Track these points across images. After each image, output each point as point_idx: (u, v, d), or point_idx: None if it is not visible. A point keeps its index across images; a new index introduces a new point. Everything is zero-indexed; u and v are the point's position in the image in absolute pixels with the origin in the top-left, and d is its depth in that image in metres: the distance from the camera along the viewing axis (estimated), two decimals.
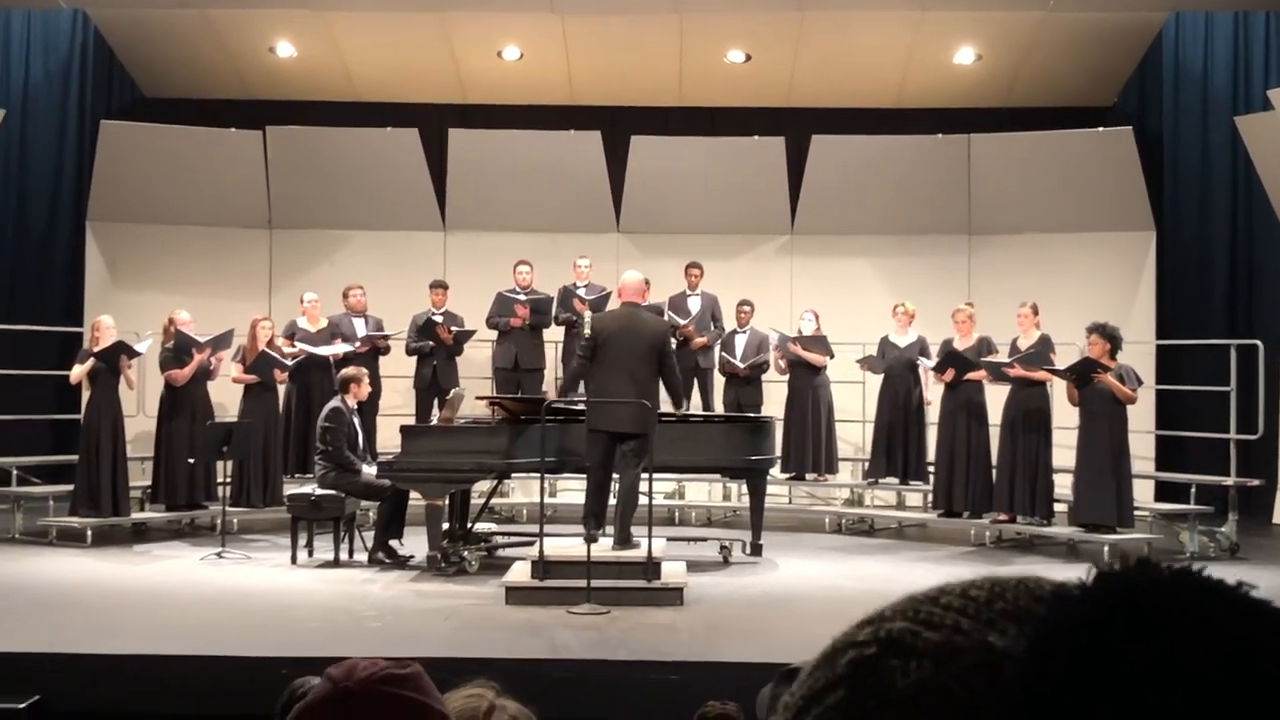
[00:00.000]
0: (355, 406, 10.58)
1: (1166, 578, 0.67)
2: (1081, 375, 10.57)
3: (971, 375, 11.48)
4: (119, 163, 14.04)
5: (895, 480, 12.57)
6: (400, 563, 10.12)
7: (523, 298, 12.99)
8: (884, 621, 0.72)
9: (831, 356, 12.67)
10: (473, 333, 12.92)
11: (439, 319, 12.83)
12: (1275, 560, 10.84)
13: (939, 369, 11.64)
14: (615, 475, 9.58)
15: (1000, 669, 0.67)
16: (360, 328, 12.75)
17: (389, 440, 11.60)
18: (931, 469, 12.08)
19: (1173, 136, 14.69)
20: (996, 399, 11.47)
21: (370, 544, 10.36)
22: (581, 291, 13.11)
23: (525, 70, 14.74)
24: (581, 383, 9.96)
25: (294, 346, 12.36)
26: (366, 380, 10.75)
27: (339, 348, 12.45)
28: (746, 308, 13.02)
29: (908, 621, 0.71)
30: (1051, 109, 14.85)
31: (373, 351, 12.69)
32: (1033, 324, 11.31)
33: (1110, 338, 10.58)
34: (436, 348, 12.78)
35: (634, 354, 9.37)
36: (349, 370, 10.85)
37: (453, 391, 11.02)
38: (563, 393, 10.10)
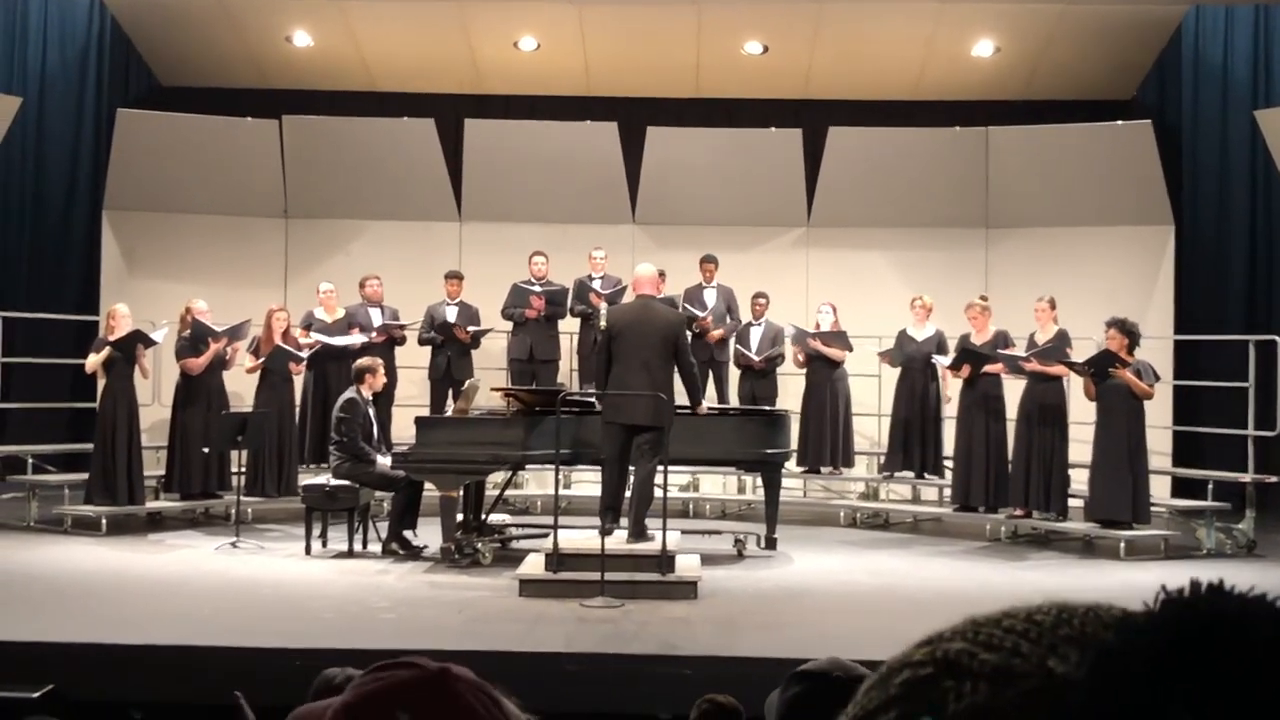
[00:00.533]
0: (370, 397, 10.58)
1: (1235, 607, 0.64)
2: (1099, 369, 10.52)
3: (988, 369, 11.44)
4: (135, 151, 14.05)
5: (911, 474, 12.54)
6: (414, 554, 10.11)
7: (538, 289, 12.98)
8: (942, 642, 0.70)
9: (850, 350, 12.64)
10: (488, 331, 12.94)
11: (454, 318, 12.84)
12: None
13: (954, 365, 11.60)
14: (631, 468, 9.57)
15: (1059, 695, 0.65)
16: (377, 317, 12.76)
17: (404, 431, 11.60)
18: (949, 464, 12.05)
19: (1192, 130, 14.62)
20: (1014, 394, 11.43)
21: (384, 535, 10.36)
22: (597, 283, 13.10)
23: (542, 61, 14.72)
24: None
25: (310, 337, 12.36)
26: (382, 371, 10.74)
27: (355, 338, 12.46)
28: (762, 300, 12.99)
29: (966, 643, 0.69)
30: (1070, 102, 14.78)
31: (389, 342, 12.71)
32: (1050, 318, 11.27)
33: (1129, 333, 10.54)
34: (449, 340, 12.79)
35: (649, 346, 9.35)
36: (364, 361, 10.85)
37: (467, 383, 11.02)
38: (598, 388, 9.89)
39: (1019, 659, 0.67)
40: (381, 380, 10.72)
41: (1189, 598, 0.66)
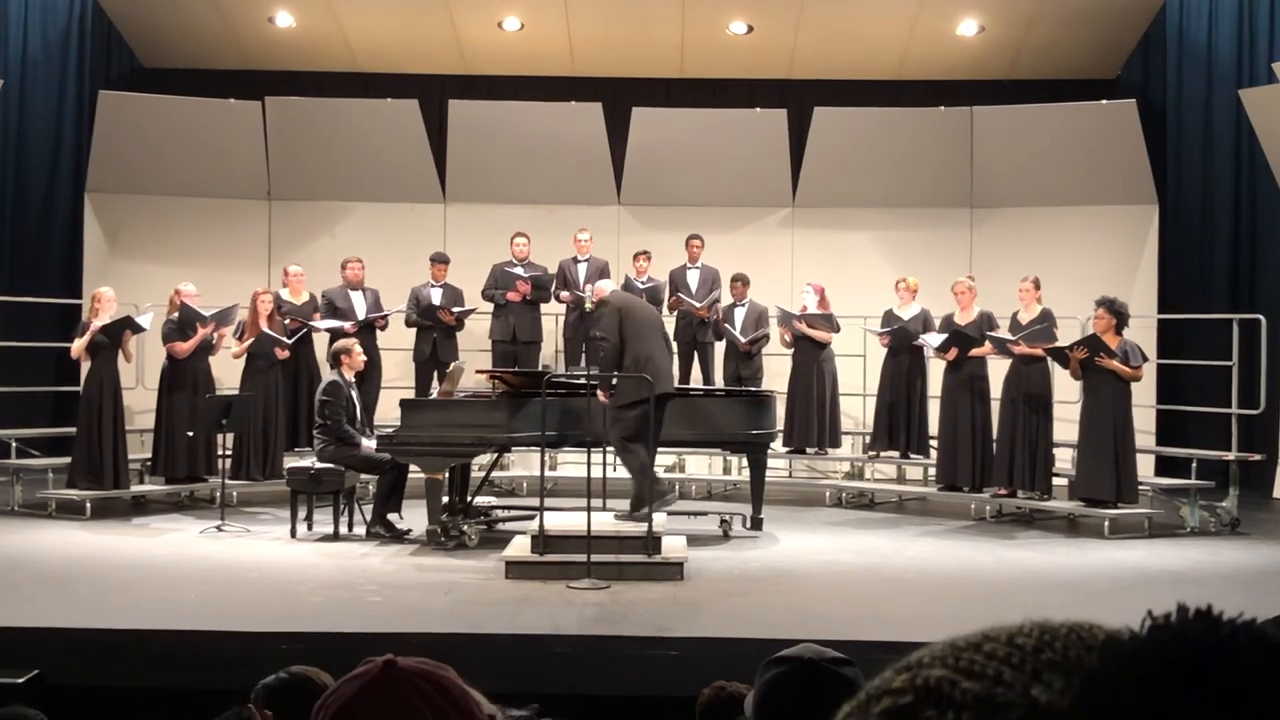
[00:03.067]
0: (352, 379, 10.54)
1: (1225, 633, 0.63)
2: (1090, 351, 10.49)
3: (976, 351, 11.44)
4: (118, 133, 13.99)
5: (896, 454, 12.55)
6: (398, 536, 10.09)
7: (520, 271, 12.93)
8: (922, 668, 0.68)
9: (837, 331, 12.61)
10: (472, 311, 12.90)
11: (438, 300, 12.77)
12: (1276, 535, 10.83)
13: (943, 348, 11.58)
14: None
15: None
16: (358, 300, 12.67)
17: (389, 413, 11.58)
18: (934, 444, 12.06)
19: (1176, 109, 14.62)
20: (998, 374, 11.44)
21: (369, 518, 10.35)
22: (582, 266, 13.08)
23: (526, 41, 14.67)
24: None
25: (286, 320, 12.24)
26: (358, 351, 10.69)
27: (331, 323, 12.36)
28: (739, 283, 12.93)
29: (947, 669, 0.67)
30: (1055, 81, 14.79)
31: (371, 329, 12.61)
32: (1034, 298, 11.27)
33: (1117, 313, 10.54)
34: (435, 324, 12.74)
35: (658, 323, 9.62)
36: (340, 343, 10.82)
37: (452, 365, 10.99)
38: (606, 371, 9.47)
39: (1002, 687, 0.65)
40: (360, 360, 10.66)
41: (1176, 624, 0.64)
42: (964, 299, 11.70)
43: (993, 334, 11.32)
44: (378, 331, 12.75)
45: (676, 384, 12.49)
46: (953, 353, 11.50)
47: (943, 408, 11.73)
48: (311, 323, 12.34)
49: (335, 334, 12.08)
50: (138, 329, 11.44)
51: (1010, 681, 0.65)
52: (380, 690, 1.44)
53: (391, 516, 10.27)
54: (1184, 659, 0.61)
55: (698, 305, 12.80)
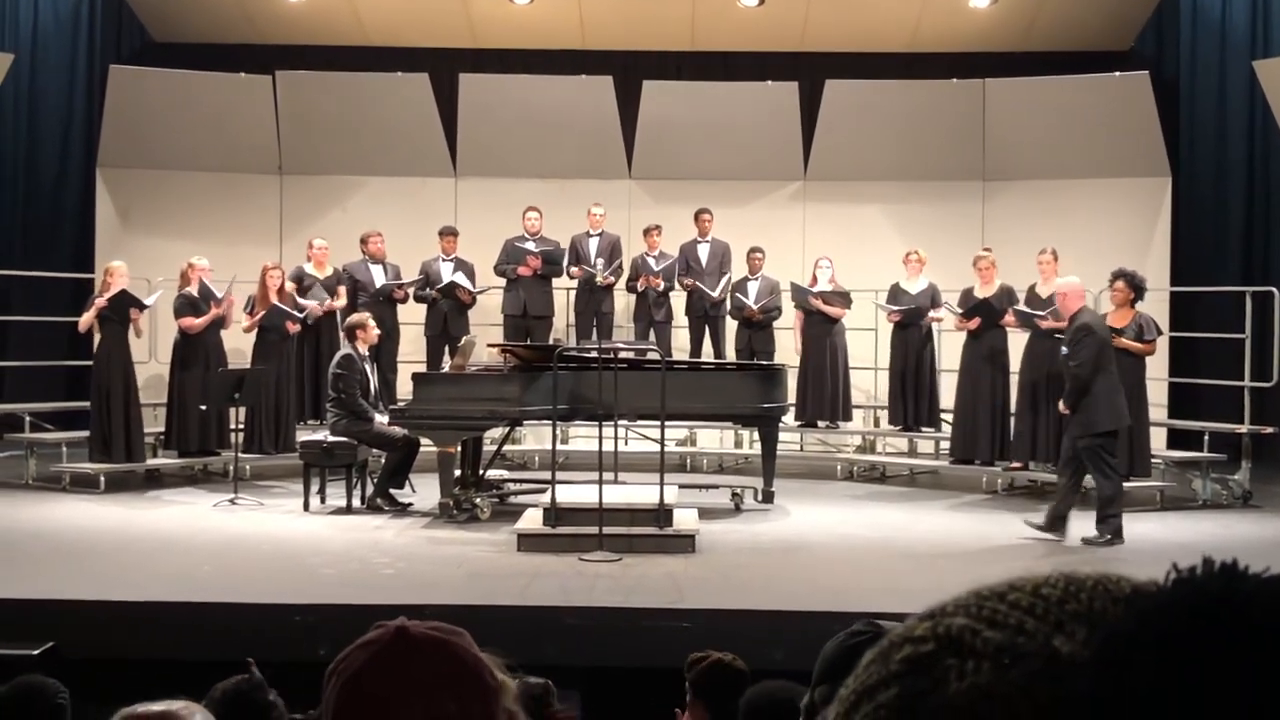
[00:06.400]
0: (367, 353, 10.55)
1: (1249, 591, 0.62)
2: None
3: (1003, 320, 11.41)
4: (129, 108, 13.97)
5: (908, 426, 12.54)
6: (399, 510, 10.12)
7: (532, 245, 12.92)
8: (945, 616, 0.68)
9: (850, 307, 12.58)
10: (486, 289, 12.92)
11: (449, 274, 12.75)
12: None
13: (966, 315, 11.57)
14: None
15: (1064, 677, 0.63)
16: (379, 275, 12.67)
17: (407, 387, 11.58)
18: (948, 416, 12.05)
19: (1189, 81, 14.55)
20: (1017, 348, 11.41)
21: (370, 490, 10.38)
22: (594, 241, 13.06)
23: (537, 14, 14.61)
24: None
25: (309, 300, 12.22)
26: (373, 325, 10.69)
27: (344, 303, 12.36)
28: (758, 254, 12.93)
29: (969, 618, 0.67)
30: (1068, 53, 14.69)
31: (390, 301, 12.63)
32: (1054, 270, 11.21)
33: (1135, 286, 10.47)
34: (450, 299, 12.73)
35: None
36: (354, 317, 10.81)
37: (464, 339, 11.00)
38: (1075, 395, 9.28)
39: (1024, 637, 0.65)
40: (374, 334, 10.67)
41: (1201, 578, 0.64)
42: (986, 273, 11.69)
43: (1020, 309, 11.28)
44: (398, 307, 12.77)
45: (688, 357, 12.56)
46: (975, 321, 11.48)
47: (961, 380, 11.71)
48: (329, 304, 12.29)
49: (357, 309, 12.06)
50: (142, 306, 11.43)
51: (1032, 632, 0.65)
52: (390, 660, 1.44)
53: (394, 491, 10.30)
54: (1204, 616, 0.61)
55: (714, 295, 12.80)
